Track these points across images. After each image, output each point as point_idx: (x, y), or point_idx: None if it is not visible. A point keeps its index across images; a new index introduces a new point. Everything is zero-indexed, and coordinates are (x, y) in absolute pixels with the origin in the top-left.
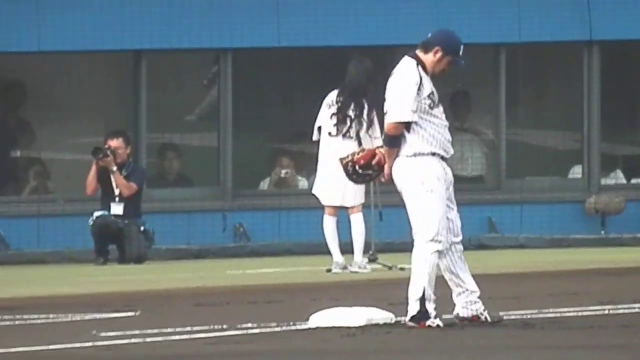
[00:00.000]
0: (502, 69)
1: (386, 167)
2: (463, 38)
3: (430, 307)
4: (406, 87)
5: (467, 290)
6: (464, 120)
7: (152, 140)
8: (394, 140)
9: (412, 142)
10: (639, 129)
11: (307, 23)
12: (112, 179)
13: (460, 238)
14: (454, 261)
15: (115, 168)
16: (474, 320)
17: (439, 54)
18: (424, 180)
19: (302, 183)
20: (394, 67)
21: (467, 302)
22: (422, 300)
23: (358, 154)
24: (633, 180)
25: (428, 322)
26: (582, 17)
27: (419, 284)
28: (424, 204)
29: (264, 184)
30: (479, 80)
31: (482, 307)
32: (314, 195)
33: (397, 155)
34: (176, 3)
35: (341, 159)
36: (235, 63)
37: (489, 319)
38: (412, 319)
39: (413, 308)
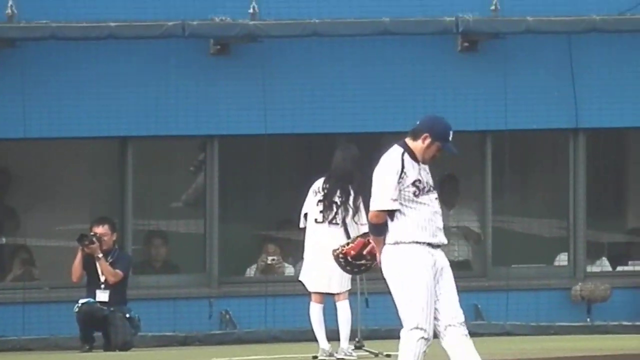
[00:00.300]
0: (489, 156)
1: (377, 255)
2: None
3: None
4: (386, 175)
5: None
6: (452, 206)
7: (138, 226)
8: (378, 229)
9: (394, 230)
10: (624, 217)
11: (294, 111)
12: (98, 266)
13: (457, 320)
14: (450, 346)
15: (101, 255)
16: None
17: (427, 141)
18: (405, 269)
19: (289, 270)
20: (380, 154)
21: None
22: None
23: (348, 244)
24: (619, 268)
25: None
26: (568, 105)
27: None
28: (405, 293)
29: (251, 271)
30: (465, 168)
31: None
32: (300, 282)
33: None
34: (162, 90)
35: (333, 251)
36: (222, 150)
37: None
38: None
39: None
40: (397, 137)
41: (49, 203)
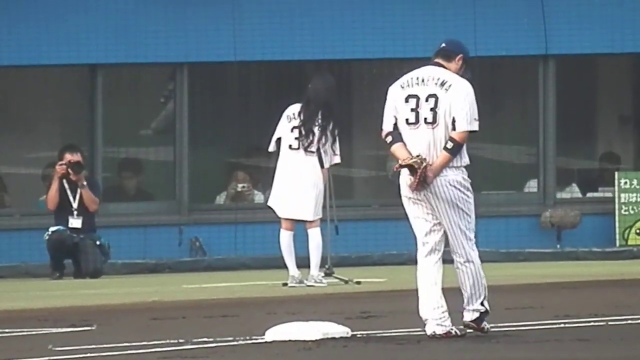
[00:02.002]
0: None
1: (431, 175)
2: (417, 52)
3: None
4: (473, 98)
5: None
6: None
7: (108, 154)
8: (460, 150)
9: (463, 153)
10: (594, 143)
11: (263, 37)
12: (68, 193)
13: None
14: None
15: (85, 183)
16: (448, 335)
17: (460, 62)
18: (469, 188)
19: (258, 197)
20: (350, 81)
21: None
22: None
23: (422, 162)
24: (589, 194)
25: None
26: (538, 32)
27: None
28: (472, 214)
29: (220, 199)
30: None
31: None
32: (270, 207)
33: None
34: (132, 17)
35: (418, 160)
36: (191, 77)
37: (458, 332)
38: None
39: None
40: (366, 63)
41: (18, 131)
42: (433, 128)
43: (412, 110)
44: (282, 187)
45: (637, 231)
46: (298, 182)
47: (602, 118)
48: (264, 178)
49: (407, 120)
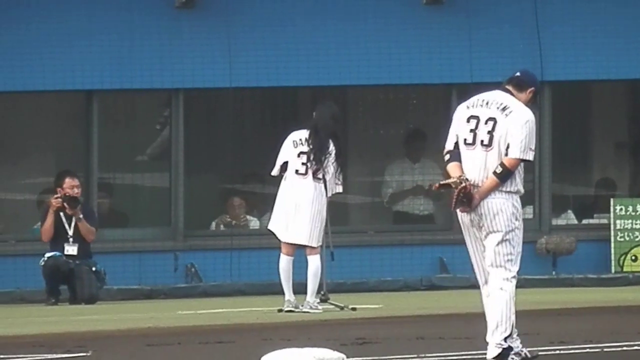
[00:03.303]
0: (454, 109)
1: (478, 197)
2: (415, 78)
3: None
4: (533, 128)
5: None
6: (418, 160)
7: (104, 180)
8: (510, 176)
9: (514, 179)
10: (589, 170)
11: (259, 64)
12: (64, 220)
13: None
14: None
15: (81, 216)
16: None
17: (531, 95)
18: (520, 219)
19: (254, 223)
20: (344, 107)
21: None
22: None
23: (461, 181)
24: (584, 221)
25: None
26: (533, 58)
27: None
28: (520, 242)
29: (215, 224)
30: (431, 122)
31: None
32: (270, 231)
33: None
34: (128, 43)
35: (459, 181)
36: (187, 103)
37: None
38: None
39: None
40: (361, 90)
41: (13, 157)
42: (487, 151)
43: (471, 131)
44: (285, 211)
45: (633, 258)
46: (303, 208)
47: (598, 144)
48: (259, 204)
49: (465, 140)
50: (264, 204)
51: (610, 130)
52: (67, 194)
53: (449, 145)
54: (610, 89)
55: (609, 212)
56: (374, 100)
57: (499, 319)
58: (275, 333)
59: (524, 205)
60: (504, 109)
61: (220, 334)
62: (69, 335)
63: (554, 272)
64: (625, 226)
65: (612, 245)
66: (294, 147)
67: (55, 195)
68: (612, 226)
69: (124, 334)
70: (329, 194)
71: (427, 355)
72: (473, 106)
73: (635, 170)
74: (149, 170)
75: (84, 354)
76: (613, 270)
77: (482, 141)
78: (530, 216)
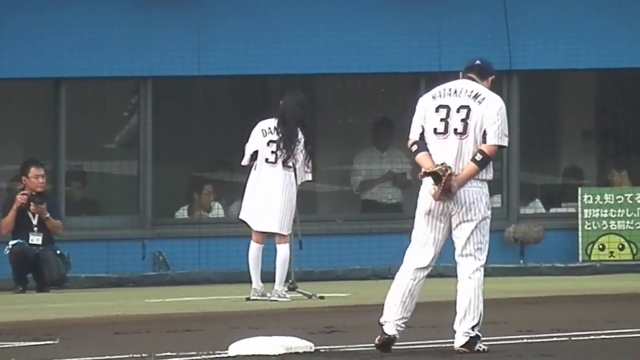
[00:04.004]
0: None
1: (456, 185)
2: (383, 67)
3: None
4: (505, 114)
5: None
6: (385, 149)
7: (72, 168)
8: (488, 163)
9: (489, 168)
10: (557, 159)
11: (228, 52)
12: (29, 213)
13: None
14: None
15: (48, 215)
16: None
17: (491, 83)
18: (489, 206)
19: (222, 211)
20: (312, 96)
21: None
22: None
23: (447, 170)
24: (552, 210)
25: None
26: (502, 47)
27: None
28: (488, 228)
29: (184, 212)
30: (398, 110)
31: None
32: (241, 220)
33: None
34: (96, 31)
35: (445, 168)
36: (156, 91)
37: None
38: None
39: None
40: (330, 78)
41: None
42: (462, 139)
43: (442, 120)
44: (256, 200)
45: (600, 247)
46: (273, 196)
47: (566, 134)
48: (228, 193)
49: (435, 129)
50: (233, 193)
51: (578, 120)
52: (33, 193)
53: (414, 136)
54: (579, 78)
55: (576, 201)
56: (343, 88)
57: (468, 308)
58: (244, 321)
59: (491, 194)
60: (475, 96)
61: (188, 322)
62: (37, 323)
63: (521, 261)
64: (593, 215)
65: (580, 234)
66: (262, 135)
67: (22, 192)
68: (579, 215)
69: (91, 322)
70: (299, 182)
71: (395, 343)
72: (440, 96)
73: (603, 159)
74: (117, 158)
75: (52, 342)
76: (581, 259)
77: (455, 129)
78: (498, 205)
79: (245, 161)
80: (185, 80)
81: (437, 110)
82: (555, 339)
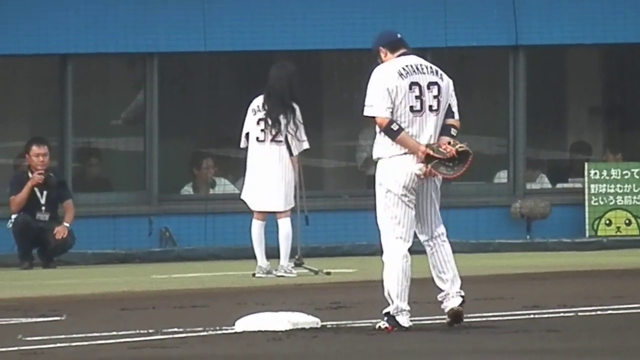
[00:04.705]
0: None
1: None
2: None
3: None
4: None
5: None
6: None
7: (78, 144)
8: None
9: None
10: (564, 134)
11: (233, 28)
12: (36, 190)
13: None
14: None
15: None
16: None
17: None
18: None
19: (228, 187)
20: (319, 71)
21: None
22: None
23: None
24: (558, 185)
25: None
26: (508, 22)
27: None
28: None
29: (189, 188)
30: None
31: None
32: (242, 201)
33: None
34: (102, 7)
35: (468, 149)
36: (161, 67)
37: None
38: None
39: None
40: (336, 54)
41: None
42: (436, 116)
43: (417, 97)
44: (252, 180)
45: (607, 222)
46: (266, 174)
47: (572, 109)
48: (234, 169)
49: (412, 107)
50: (238, 169)
51: (585, 95)
52: (51, 174)
53: (387, 114)
54: (585, 53)
55: (583, 176)
56: (349, 64)
57: (455, 269)
58: (250, 297)
59: (498, 169)
60: (436, 72)
61: (194, 298)
62: (43, 299)
63: (528, 237)
64: (600, 190)
65: (587, 209)
66: (253, 115)
67: (39, 172)
68: (586, 190)
69: (98, 298)
70: (295, 153)
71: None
72: (406, 73)
73: (609, 134)
74: (123, 134)
75: (58, 318)
76: (587, 235)
77: (430, 107)
78: (505, 180)
79: (242, 144)
80: (191, 56)
81: (410, 88)
82: (561, 314)
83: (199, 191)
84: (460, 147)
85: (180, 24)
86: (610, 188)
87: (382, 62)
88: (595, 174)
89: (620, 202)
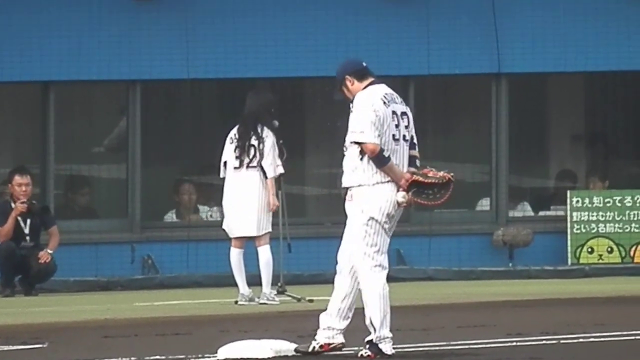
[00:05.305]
0: (411, 101)
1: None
2: (372, 70)
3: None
4: None
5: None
6: None
7: (60, 171)
8: None
9: None
10: (546, 162)
11: (216, 55)
12: (19, 219)
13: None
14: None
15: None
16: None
17: None
18: None
19: (209, 214)
20: (302, 99)
21: None
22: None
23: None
24: (541, 213)
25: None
26: (491, 50)
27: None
28: None
29: (172, 215)
30: None
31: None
32: (224, 230)
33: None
34: (85, 34)
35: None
36: (144, 95)
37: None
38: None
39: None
40: (318, 81)
41: None
42: (407, 145)
43: (397, 126)
44: (227, 207)
45: (589, 250)
46: (240, 199)
47: (554, 137)
48: (216, 196)
49: (394, 136)
50: (221, 196)
51: (567, 123)
52: (34, 202)
53: (378, 140)
54: (567, 81)
55: (565, 204)
56: (331, 92)
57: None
58: (233, 325)
59: (481, 196)
60: (403, 102)
61: (177, 325)
62: (25, 326)
63: (510, 264)
64: (582, 218)
65: (569, 237)
66: (230, 143)
67: (22, 201)
68: (568, 218)
69: (80, 326)
70: (270, 176)
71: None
72: (388, 101)
73: (592, 162)
74: (106, 161)
75: (40, 345)
76: (569, 262)
77: (404, 136)
78: (487, 208)
79: (221, 173)
80: (173, 83)
81: (392, 117)
82: (544, 341)
83: (182, 218)
84: (445, 172)
85: (163, 51)
86: (592, 216)
87: (349, 90)
88: (578, 201)
89: (602, 229)
